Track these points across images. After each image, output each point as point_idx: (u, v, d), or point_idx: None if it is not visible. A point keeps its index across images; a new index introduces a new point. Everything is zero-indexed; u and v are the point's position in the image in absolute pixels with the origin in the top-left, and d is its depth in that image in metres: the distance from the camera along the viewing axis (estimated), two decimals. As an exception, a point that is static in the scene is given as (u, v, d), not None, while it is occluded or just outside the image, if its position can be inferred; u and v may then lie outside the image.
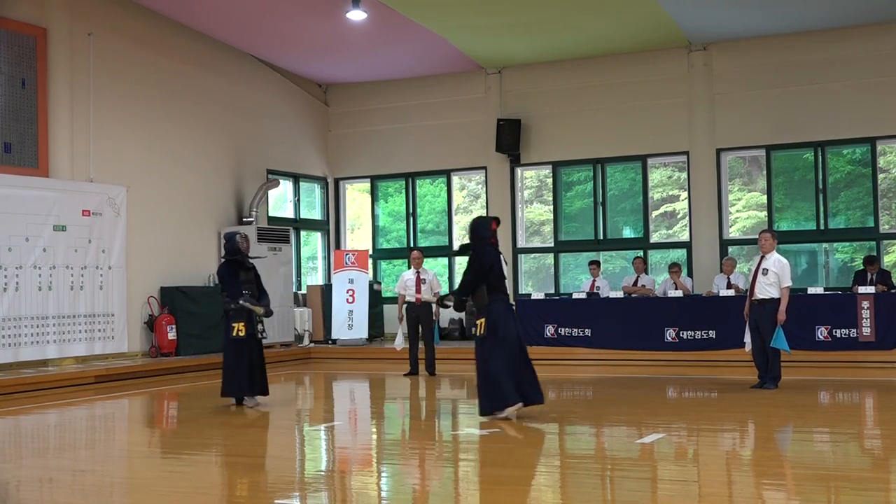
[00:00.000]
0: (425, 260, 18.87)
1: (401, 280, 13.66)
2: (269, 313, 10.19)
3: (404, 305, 13.43)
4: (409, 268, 13.70)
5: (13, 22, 13.46)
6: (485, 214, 10.16)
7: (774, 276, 10.72)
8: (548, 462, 7.22)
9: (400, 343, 13.55)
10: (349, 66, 17.85)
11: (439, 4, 14.44)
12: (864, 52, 15.46)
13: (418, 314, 13.27)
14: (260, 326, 10.08)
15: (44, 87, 13.75)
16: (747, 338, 11.05)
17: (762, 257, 10.92)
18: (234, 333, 9.98)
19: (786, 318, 10.65)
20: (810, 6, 14.54)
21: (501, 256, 9.05)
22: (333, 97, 19.29)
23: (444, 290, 15.78)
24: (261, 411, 9.84)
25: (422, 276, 13.41)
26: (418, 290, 13.22)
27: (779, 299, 10.68)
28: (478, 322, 8.80)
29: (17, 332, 13.00)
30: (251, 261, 10.35)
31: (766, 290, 10.75)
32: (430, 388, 12.79)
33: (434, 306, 13.25)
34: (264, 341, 10.31)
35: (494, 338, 8.65)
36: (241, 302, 10.01)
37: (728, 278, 14.15)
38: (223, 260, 10.38)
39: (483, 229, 9.00)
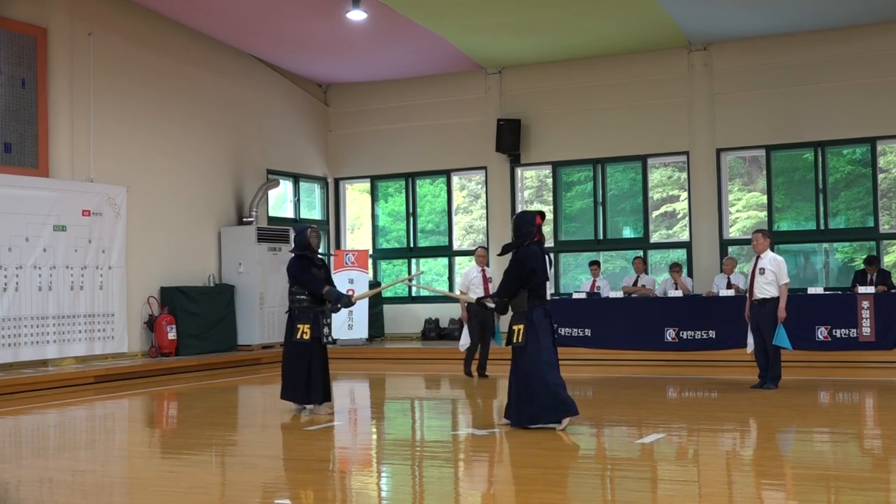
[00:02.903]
0: (423, 261, 19.06)
1: (465, 278, 12.97)
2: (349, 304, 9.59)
3: (467, 304, 12.55)
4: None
5: (13, 22, 13.46)
6: (529, 209, 9.49)
7: (772, 274, 10.73)
8: (548, 462, 7.21)
9: (465, 343, 12.74)
10: (349, 66, 17.85)
11: (439, 4, 14.44)
12: (864, 52, 15.46)
13: (485, 315, 12.36)
14: (326, 330, 9.45)
15: (44, 87, 13.75)
16: (750, 339, 11.02)
17: (757, 257, 10.94)
18: (298, 336, 9.34)
19: (786, 315, 10.65)
20: (810, 6, 14.54)
21: (547, 256, 8.46)
22: (333, 97, 19.29)
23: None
24: (315, 417, 9.30)
25: (487, 275, 12.72)
26: (486, 290, 12.33)
27: (779, 297, 10.68)
28: (514, 328, 8.27)
29: (17, 332, 13.00)
30: (320, 257, 9.72)
31: (764, 289, 10.75)
32: (430, 388, 12.80)
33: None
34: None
35: (537, 347, 8.17)
36: (352, 298, 9.54)
37: (728, 278, 14.16)
38: (293, 255, 9.66)
39: (526, 225, 8.33)
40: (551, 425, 8.16)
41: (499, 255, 8.95)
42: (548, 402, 8.11)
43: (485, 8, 14.54)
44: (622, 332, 13.93)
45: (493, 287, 12.14)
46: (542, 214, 8.48)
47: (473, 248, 18.81)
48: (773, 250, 11.22)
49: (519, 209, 17.85)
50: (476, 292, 12.28)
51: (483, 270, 12.77)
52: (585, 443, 7.77)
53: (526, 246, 8.33)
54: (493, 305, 8.86)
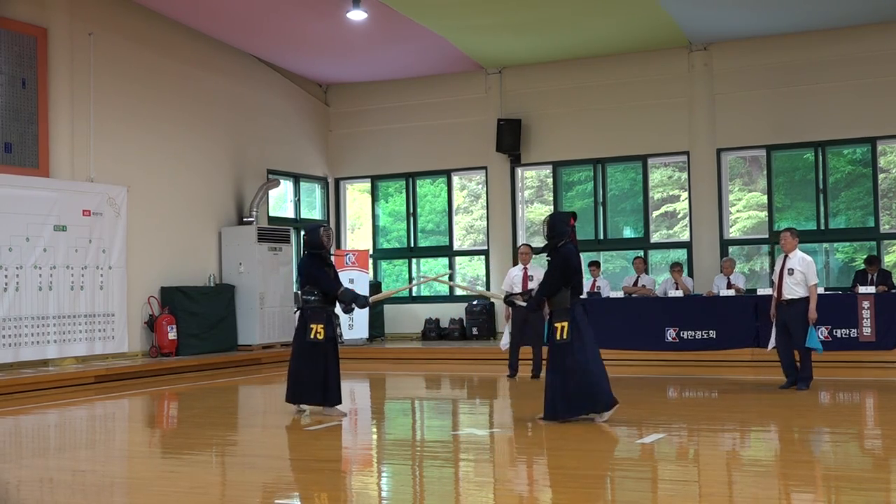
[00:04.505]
0: (424, 260, 19.05)
1: (507, 277, 12.88)
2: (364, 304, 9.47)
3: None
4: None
5: (13, 22, 13.46)
6: (563, 210, 9.93)
7: (801, 275, 10.55)
8: (547, 462, 7.22)
9: (506, 343, 12.67)
10: (349, 66, 17.85)
11: (439, 4, 14.44)
12: (864, 52, 15.45)
13: (525, 314, 11.70)
14: (339, 330, 9.31)
15: (44, 87, 13.75)
16: (772, 338, 10.90)
17: (785, 257, 10.72)
18: (312, 335, 9.12)
19: (817, 317, 10.55)
20: (810, 6, 14.54)
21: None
22: (333, 97, 19.29)
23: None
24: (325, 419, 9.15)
25: (529, 273, 12.41)
26: (525, 288, 12.03)
27: (807, 298, 10.54)
28: (557, 325, 8.42)
29: (17, 332, 13.00)
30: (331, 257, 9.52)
31: (793, 289, 10.58)
32: (430, 388, 12.80)
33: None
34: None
35: (581, 344, 8.38)
36: (370, 299, 9.42)
37: (728, 279, 14.16)
38: (306, 254, 9.43)
39: (563, 225, 8.56)
40: (590, 416, 8.41)
41: (536, 253, 9.11)
42: (589, 394, 8.36)
43: (485, 8, 14.54)
44: (622, 332, 13.92)
45: (532, 286, 11.95)
46: (574, 215, 8.73)
47: (474, 248, 18.94)
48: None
49: (519, 209, 17.89)
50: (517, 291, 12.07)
51: (525, 269, 12.55)
52: (586, 443, 7.77)
53: (563, 245, 8.51)
54: (523, 304, 8.97)
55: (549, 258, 8.72)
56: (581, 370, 8.34)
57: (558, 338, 8.41)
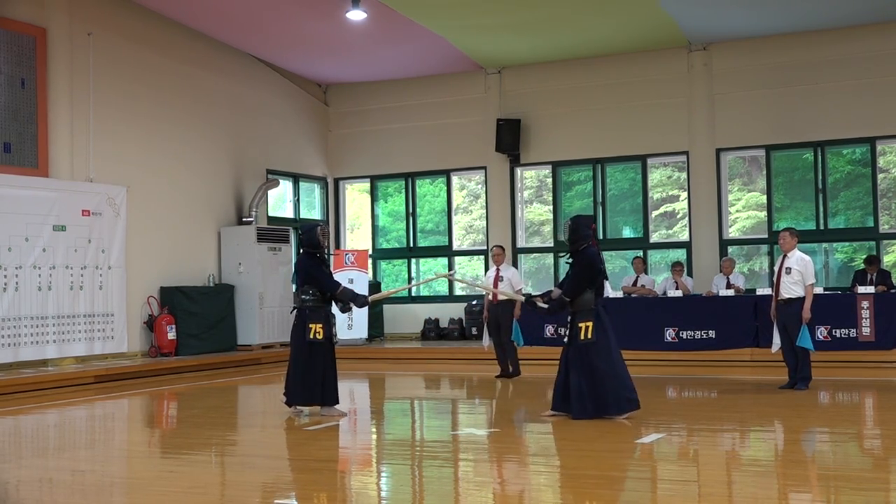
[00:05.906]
0: (423, 260, 19.05)
1: (485, 278, 13.24)
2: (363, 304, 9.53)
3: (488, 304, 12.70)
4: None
5: (13, 22, 13.46)
6: (585, 213, 10.41)
7: (798, 274, 10.55)
8: (547, 462, 7.22)
9: (487, 341, 12.86)
10: (349, 66, 17.85)
11: (439, 4, 14.44)
12: (864, 52, 15.45)
13: (496, 314, 12.42)
14: (335, 329, 9.29)
15: (44, 87, 13.74)
16: (776, 338, 10.92)
17: (784, 256, 10.73)
18: (312, 335, 9.10)
19: (811, 316, 10.57)
20: (810, 6, 14.54)
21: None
22: (333, 97, 19.29)
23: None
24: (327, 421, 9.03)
25: (501, 274, 12.69)
26: (495, 288, 12.29)
27: (804, 298, 10.55)
28: (581, 326, 8.63)
29: (16, 332, 12.99)
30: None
31: (791, 289, 10.58)
32: (430, 388, 12.80)
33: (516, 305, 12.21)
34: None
35: (606, 343, 8.61)
36: (368, 298, 9.48)
37: (727, 278, 14.16)
38: (304, 253, 9.36)
39: (586, 228, 8.89)
40: (615, 416, 8.54)
41: (561, 255, 9.36)
42: (616, 395, 8.54)
43: (485, 8, 14.54)
44: (622, 332, 13.84)
45: (503, 286, 12.32)
46: (594, 219, 9.16)
47: (473, 248, 18.94)
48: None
49: (519, 209, 17.89)
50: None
51: (497, 270, 12.72)
52: (586, 442, 7.78)
53: (586, 248, 8.81)
54: (545, 306, 9.11)
55: (569, 261, 8.98)
56: (611, 370, 8.54)
57: (582, 338, 8.59)
